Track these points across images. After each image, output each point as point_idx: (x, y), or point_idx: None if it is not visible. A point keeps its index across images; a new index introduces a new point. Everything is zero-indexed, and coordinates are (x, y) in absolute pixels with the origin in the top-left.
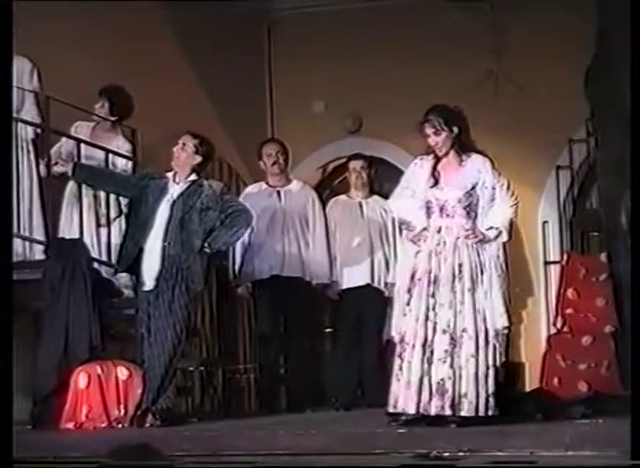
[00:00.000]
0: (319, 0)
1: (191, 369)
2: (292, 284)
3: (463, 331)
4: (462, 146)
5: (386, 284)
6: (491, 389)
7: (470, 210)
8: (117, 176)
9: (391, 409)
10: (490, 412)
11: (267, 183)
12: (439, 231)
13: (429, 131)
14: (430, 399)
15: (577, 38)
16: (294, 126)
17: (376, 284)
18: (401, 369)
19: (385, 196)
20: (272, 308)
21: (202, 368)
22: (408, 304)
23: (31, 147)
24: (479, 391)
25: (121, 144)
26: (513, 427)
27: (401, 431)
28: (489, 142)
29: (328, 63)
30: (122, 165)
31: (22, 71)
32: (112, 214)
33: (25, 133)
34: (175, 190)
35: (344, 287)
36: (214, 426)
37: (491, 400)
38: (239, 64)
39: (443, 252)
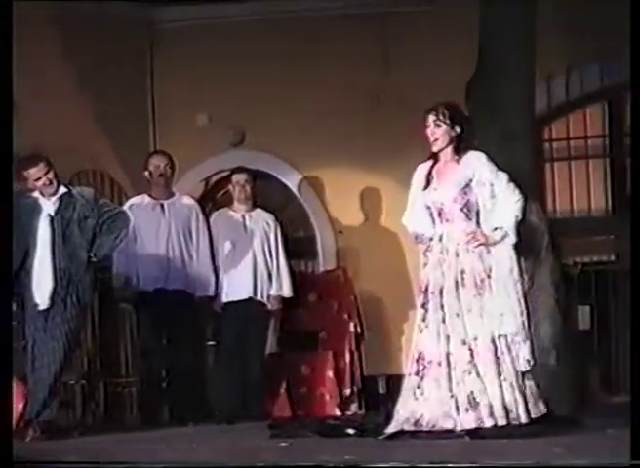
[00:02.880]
0: (203, 12)
1: (72, 382)
2: (175, 297)
3: (475, 339)
4: (461, 147)
5: (269, 297)
6: (515, 397)
7: (469, 211)
8: None
9: (412, 428)
10: (521, 421)
11: (150, 195)
12: (441, 239)
13: (431, 119)
14: (464, 412)
15: (460, 53)
16: (177, 139)
17: (258, 297)
18: (420, 387)
19: (268, 209)
20: (155, 321)
21: (84, 381)
22: (424, 320)
23: None
24: (506, 400)
25: None
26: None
27: (283, 444)
28: (373, 155)
29: (211, 76)
30: None
31: None
32: None
33: None
34: (48, 206)
35: (227, 300)
36: (96, 439)
37: (517, 408)
38: (122, 76)
39: (446, 260)
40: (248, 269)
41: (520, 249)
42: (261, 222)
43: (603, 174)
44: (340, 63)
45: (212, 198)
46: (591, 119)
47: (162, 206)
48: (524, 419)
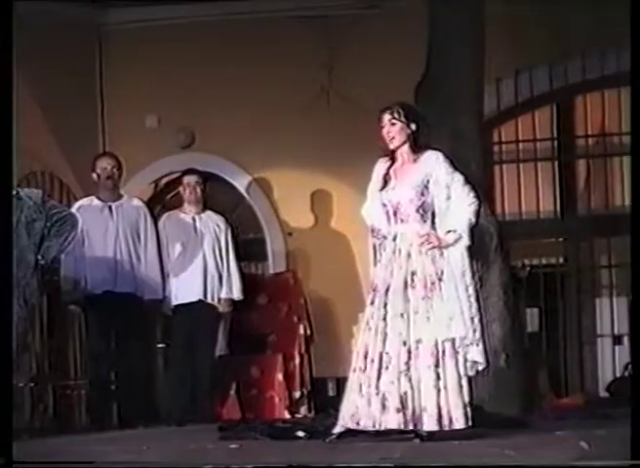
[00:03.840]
0: (152, 14)
1: (21, 385)
2: (124, 299)
3: (418, 341)
4: (418, 145)
5: (219, 299)
6: (454, 401)
7: (425, 212)
8: None
9: (352, 425)
10: (456, 426)
11: (99, 198)
12: (394, 239)
13: (386, 118)
14: (394, 412)
15: (409, 54)
16: (126, 140)
17: (209, 299)
18: (359, 384)
19: (218, 211)
20: (104, 323)
21: (32, 384)
22: (372, 317)
23: None
24: (440, 404)
25: None
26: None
27: (233, 446)
28: (323, 157)
29: (161, 77)
30: None
31: None
32: None
33: None
34: None
35: (177, 302)
36: (45, 442)
37: (454, 413)
38: (71, 78)
39: (397, 260)
40: (198, 271)
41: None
42: (212, 224)
43: (552, 176)
44: (290, 65)
45: (161, 200)
46: (540, 121)
47: (110, 208)
48: (461, 424)
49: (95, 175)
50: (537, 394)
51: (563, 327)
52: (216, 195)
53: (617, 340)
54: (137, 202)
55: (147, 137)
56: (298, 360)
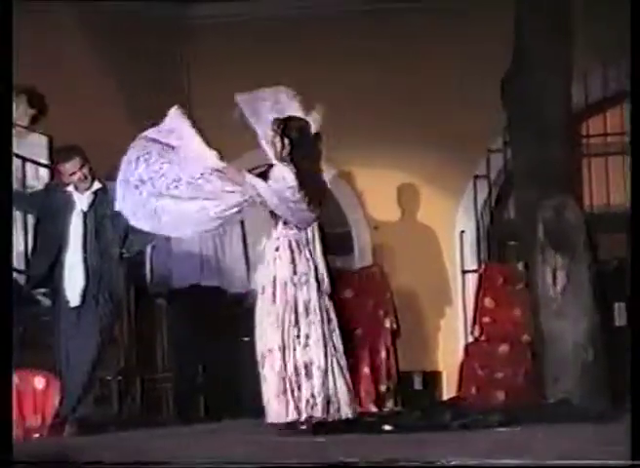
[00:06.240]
0: (239, 8)
1: (109, 378)
2: (210, 292)
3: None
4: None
5: None
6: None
7: None
8: (23, 195)
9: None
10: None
11: None
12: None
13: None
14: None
15: (492, 49)
16: (213, 133)
17: None
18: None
19: None
20: (190, 317)
21: (120, 377)
22: None
23: None
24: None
25: (36, 140)
26: (431, 436)
27: (320, 440)
28: (407, 151)
29: (248, 71)
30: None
31: None
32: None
33: None
34: (82, 202)
35: None
36: (132, 435)
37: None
38: (156, 72)
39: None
40: None
41: (556, 245)
42: None
43: None
44: (369, 60)
45: None
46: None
47: None
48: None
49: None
50: (624, 388)
51: None
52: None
53: None
54: None
55: (233, 131)
56: (384, 354)
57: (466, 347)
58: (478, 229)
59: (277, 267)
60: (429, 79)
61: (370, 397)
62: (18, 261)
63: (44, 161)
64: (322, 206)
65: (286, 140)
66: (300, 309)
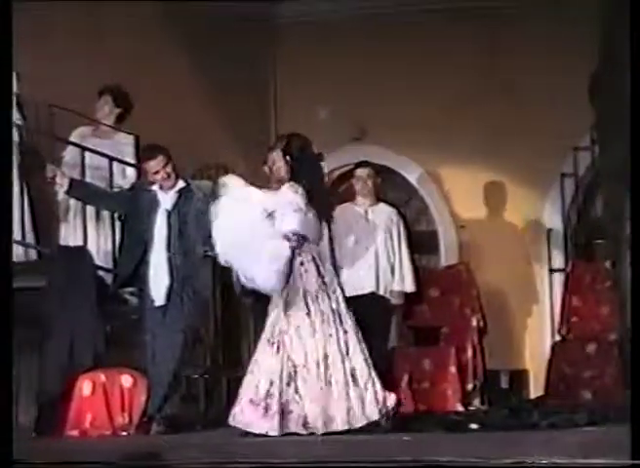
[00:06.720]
0: (325, 7)
1: (196, 376)
2: None
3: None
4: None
5: (391, 291)
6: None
7: None
8: (110, 194)
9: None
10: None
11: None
12: None
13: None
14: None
15: (580, 47)
16: (299, 132)
17: (381, 292)
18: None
19: (390, 203)
20: None
21: (206, 375)
22: None
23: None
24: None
25: (123, 139)
26: (518, 435)
27: (406, 438)
28: (494, 148)
29: (333, 70)
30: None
31: None
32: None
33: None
34: (166, 201)
35: (349, 295)
36: (218, 434)
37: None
38: (243, 71)
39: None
40: (370, 264)
41: None
42: (384, 217)
43: None
44: (456, 57)
45: (334, 193)
46: None
47: None
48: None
49: (266, 168)
50: None
51: None
52: (388, 188)
53: None
54: None
55: (320, 130)
56: (470, 352)
57: (553, 346)
58: (565, 227)
59: (305, 281)
60: (516, 77)
61: (456, 396)
62: (105, 260)
63: (131, 160)
64: (329, 223)
65: (288, 158)
66: (332, 318)
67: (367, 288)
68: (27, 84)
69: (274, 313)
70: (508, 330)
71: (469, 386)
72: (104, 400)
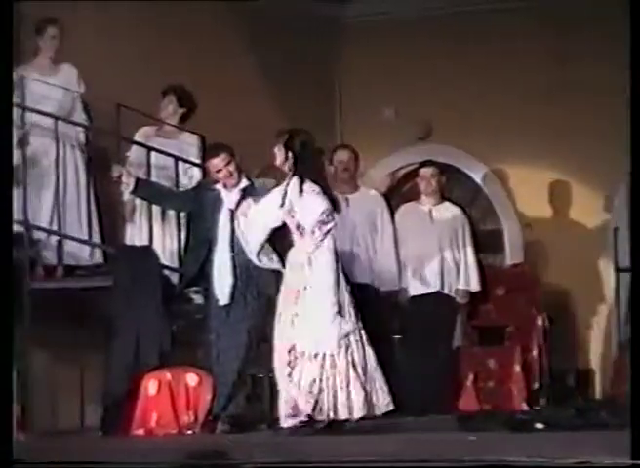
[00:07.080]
0: (390, 7)
1: (260, 375)
2: (360, 290)
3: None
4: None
5: (457, 290)
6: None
7: None
8: (175, 193)
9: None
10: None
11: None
12: None
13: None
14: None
15: None
16: (363, 132)
17: (446, 291)
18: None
19: (455, 202)
20: None
21: (271, 375)
22: None
23: (78, 151)
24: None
25: (187, 139)
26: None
27: (471, 438)
28: (560, 147)
29: (398, 70)
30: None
31: (70, 77)
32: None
33: (77, 136)
34: (229, 199)
35: (414, 293)
36: (283, 433)
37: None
38: (309, 71)
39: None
40: (435, 263)
41: None
42: (449, 216)
43: None
44: (522, 56)
45: (398, 192)
46: None
47: (347, 200)
48: None
49: (332, 168)
50: None
51: None
52: (453, 186)
53: None
54: (373, 193)
55: (385, 129)
56: (536, 351)
57: (620, 345)
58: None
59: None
60: (583, 77)
61: (521, 395)
62: (171, 260)
63: (195, 160)
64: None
65: (289, 153)
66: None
67: (432, 286)
68: (93, 84)
69: None
70: (574, 329)
71: (535, 385)
72: (170, 399)
